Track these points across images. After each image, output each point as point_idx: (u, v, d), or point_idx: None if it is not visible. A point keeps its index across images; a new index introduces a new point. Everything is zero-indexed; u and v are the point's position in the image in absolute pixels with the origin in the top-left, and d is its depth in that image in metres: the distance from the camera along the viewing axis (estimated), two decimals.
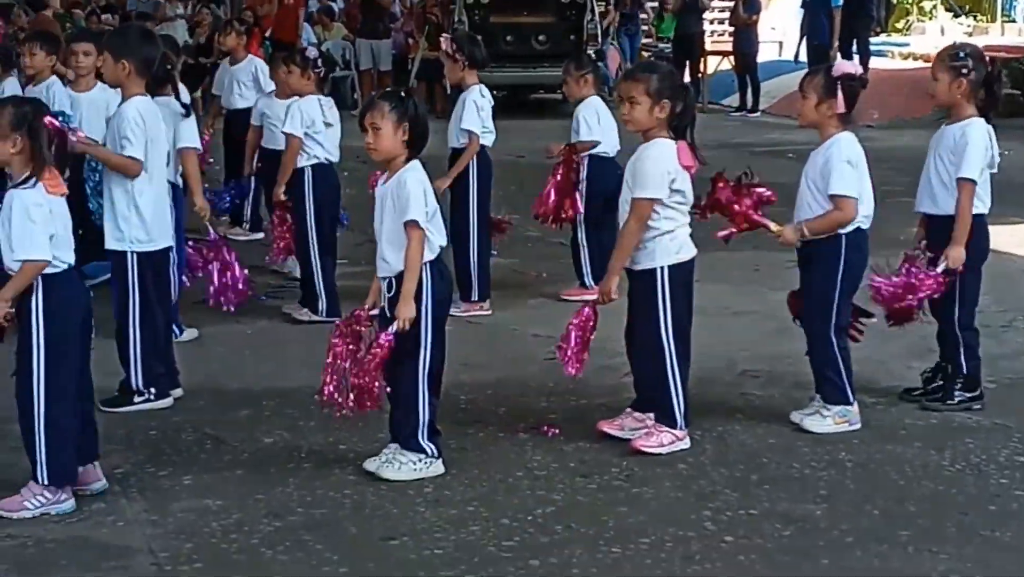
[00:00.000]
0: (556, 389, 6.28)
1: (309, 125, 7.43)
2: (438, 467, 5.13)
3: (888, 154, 12.87)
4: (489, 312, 7.81)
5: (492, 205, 8.04)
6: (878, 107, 17.72)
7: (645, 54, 21.31)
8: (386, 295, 5.07)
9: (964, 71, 5.83)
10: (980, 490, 5.03)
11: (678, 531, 4.63)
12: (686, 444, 5.42)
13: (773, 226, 5.62)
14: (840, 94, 5.54)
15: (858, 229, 5.61)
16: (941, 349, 6.02)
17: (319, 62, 7.52)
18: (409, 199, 4.99)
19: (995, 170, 5.98)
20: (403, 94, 5.14)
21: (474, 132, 7.63)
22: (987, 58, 5.98)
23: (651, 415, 5.46)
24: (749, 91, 18.89)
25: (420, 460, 5.10)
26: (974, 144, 5.78)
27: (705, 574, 4.31)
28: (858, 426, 5.63)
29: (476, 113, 7.65)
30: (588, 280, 7.98)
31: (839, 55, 17.94)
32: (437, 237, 5.08)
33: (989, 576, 4.28)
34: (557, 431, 5.64)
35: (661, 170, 5.29)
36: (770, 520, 4.74)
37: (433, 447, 5.13)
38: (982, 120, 5.86)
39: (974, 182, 5.78)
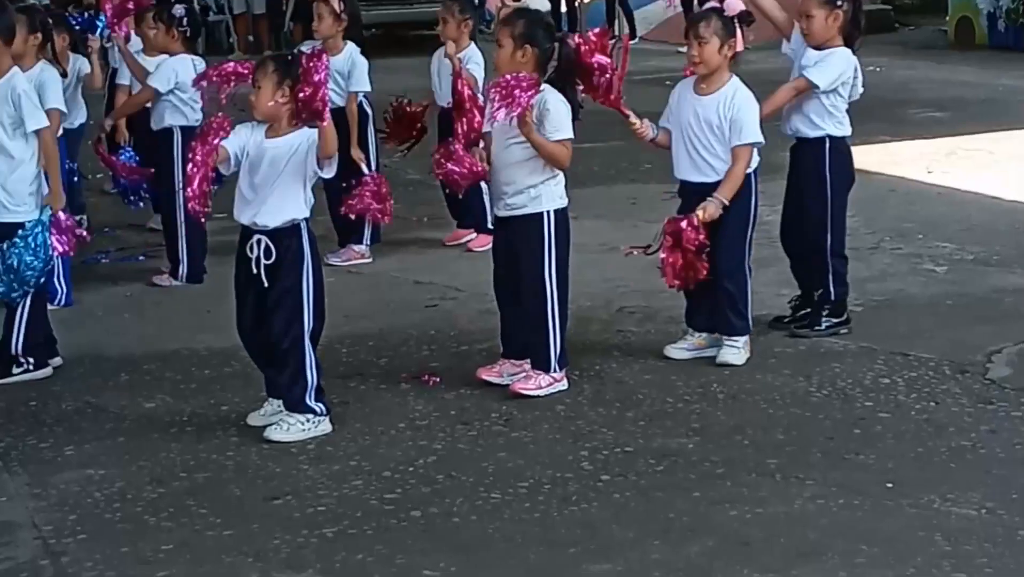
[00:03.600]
0: (437, 337, 6.36)
1: (177, 85, 7.39)
2: (326, 425, 5.18)
3: (763, 77, 13.02)
4: (370, 259, 7.86)
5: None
6: (751, 29, 17.96)
7: None
8: (258, 256, 5.07)
9: (839, 3, 5.93)
10: (845, 414, 5.20)
11: (556, 473, 4.75)
12: (564, 385, 5.53)
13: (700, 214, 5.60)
14: (739, 33, 5.63)
15: (755, 170, 5.77)
16: (804, 279, 6.18)
17: (184, 20, 7.43)
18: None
19: (857, 97, 6.11)
20: (291, 57, 5.10)
21: (365, 91, 7.77)
22: None
23: (528, 361, 5.56)
24: (623, 18, 18.99)
25: (308, 420, 5.15)
26: (833, 64, 5.93)
27: (582, 514, 4.43)
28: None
29: (365, 74, 7.76)
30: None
31: None
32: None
33: (851, 498, 4.44)
34: (438, 379, 5.72)
35: (568, 110, 5.38)
36: (645, 456, 4.87)
37: (322, 406, 5.19)
38: (846, 49, 5.98)
39: (816, 87, 5.93)
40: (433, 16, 18.33)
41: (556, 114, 5.35)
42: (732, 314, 5.76)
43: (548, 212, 5.42)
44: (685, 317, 5.95)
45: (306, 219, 5.13)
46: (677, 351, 5.90)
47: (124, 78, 8.39)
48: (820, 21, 5.93)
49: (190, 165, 5.05)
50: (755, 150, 5.71)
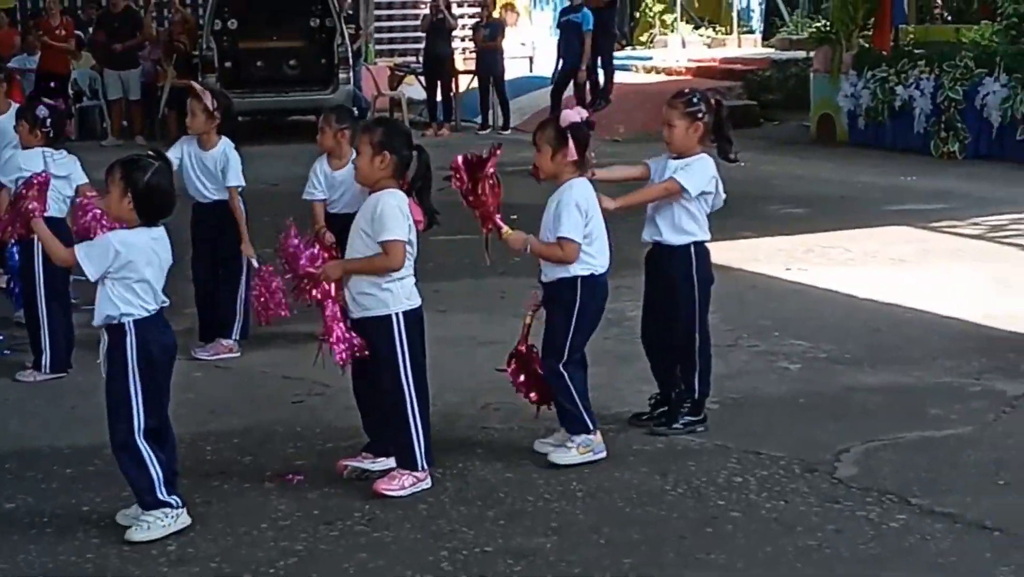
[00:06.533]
0: (303, 433, 6.41)
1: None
2: (185, 518, 5.20)
3: None
4: (238, 354, 7.89)
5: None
6: (624, 121, 18.39)
7: (398, 73, 21.55)
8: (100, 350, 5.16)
9: (699, 115, 6.16)
10: (699, 513, 5.35)
11: (416, 574, 4.81)
12: (427, 484, 5.60)
13: (504, 229, 5.88)
14: (571, 143, 5.82)
15: (592, 275, 5.88)
16: (662, 377, 6.36)
17: (47, 121, 7.49)
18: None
19: (720, 206, 6.31)
20: (141, 160, 5.19)
21: (242, 186, 7.93)
22: (712, 100, 6.27)
23: (383, 459, 5.63)
24: (498, 109, 19.36)
25: (166, 515, 5.17)
26: (700, 170, 6.15)
27: None
28: (603, 454, 5.86)
29: (239, 169, 7.90)
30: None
31: (586, 74, 18.65)
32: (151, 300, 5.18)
33: None
34: (302, 477, 5.77)
35: (403, 215, 5.47)
36: (503, 556, 4.96)
37: (176, 498, 5.21)
38: (707, 156, 6.22)
39: (687, 192, 6.12)
40: (306, 104, 18.55)
41: (382, 217, 5.45)
42: (564, 413, 5.91)
43: (396, 315, 5.52)
44: None
45: (131, 317, 5.11)
46: (542, 445, 6.02)
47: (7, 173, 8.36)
48: (680, 131, 6.16)
49: None
50: (576, 252, 5.83)
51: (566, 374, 5.89)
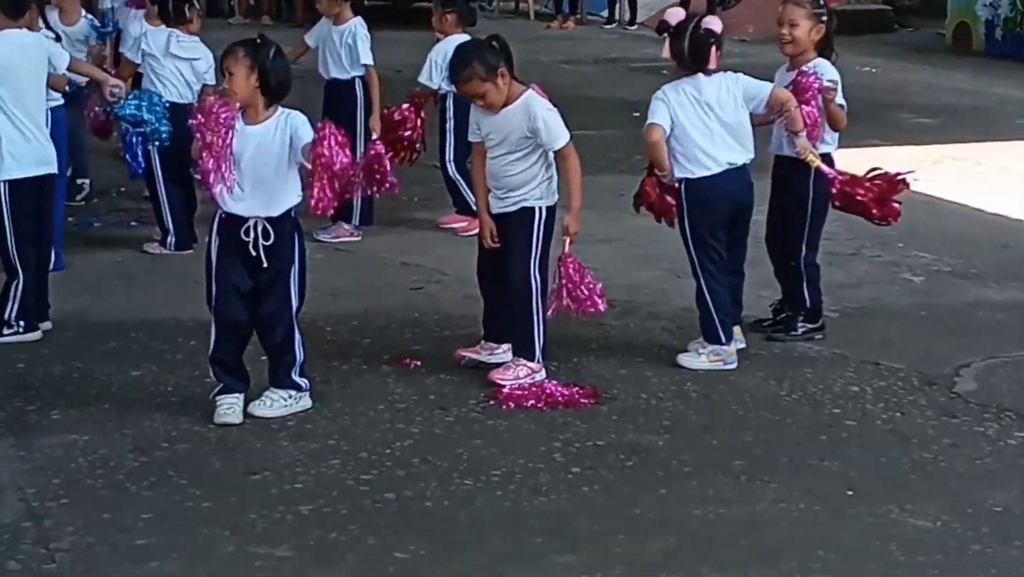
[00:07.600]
0: (420, 320, 6.48)
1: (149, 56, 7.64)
2: (307, 401, 5.32)
3: (764, 71, 13.12)
4: (359, 238, 7.98)
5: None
6: (753, 21, 18.05)
7: None
8: (255, 238, 5.15)
9: (824, 18, 6.07)
10: (813, 420, 5.33)
11: (528, 463, 4.87)
12: (542, 376, 5.64)
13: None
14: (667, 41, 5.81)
15: (694, 178, 5.81)
16: (782, 284, 6.32)
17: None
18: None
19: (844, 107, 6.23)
20: (260, 41, 5.22)
21: (372, 65, 7.93)
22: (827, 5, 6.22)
23: (506, 346, 5.67)
24: (625, 3, 19.12)
25: (291, 396, 5.28)
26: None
27: (550, 505, 4.56)
28: (733, 365, 5.82)
29: (368, 46, 7.91)
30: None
31: None
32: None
33: (812, 504, 4.56)
34: (419, 363, 5.84)
35: (557, 112, 5.53)
36: (615, 451, 5.00)
37: (305, 381, 5.32)
38: (825, 60, 6.12)
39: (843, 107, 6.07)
40: None
41: (549, 124, 5.47)
42: (700, 321, 5.91)
43: (540, 208, 5.56)
44: None
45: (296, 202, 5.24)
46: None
47: (125, 47, 8.50)
48: (804, 31, 6.07)
49: (205, 153, 5.05)
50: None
51: (704, 285, 5.83)
